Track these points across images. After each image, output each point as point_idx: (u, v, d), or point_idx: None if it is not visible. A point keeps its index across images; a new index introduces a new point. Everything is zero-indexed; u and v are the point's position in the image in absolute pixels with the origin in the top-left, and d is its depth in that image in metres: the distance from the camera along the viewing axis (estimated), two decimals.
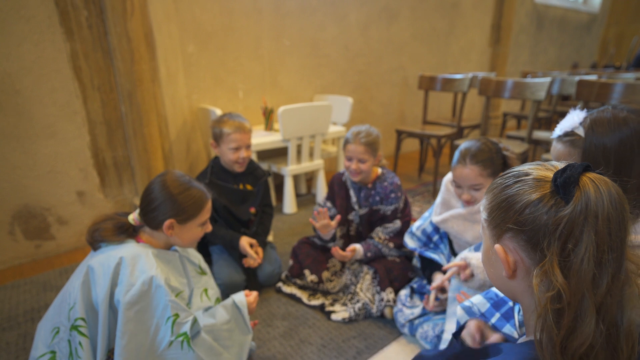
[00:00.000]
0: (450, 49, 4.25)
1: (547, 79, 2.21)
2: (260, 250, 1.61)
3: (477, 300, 0.94)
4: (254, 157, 2.28)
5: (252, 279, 1.63)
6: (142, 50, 1.91)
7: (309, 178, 2.98)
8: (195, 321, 0.98)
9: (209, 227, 1.11)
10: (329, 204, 1.73)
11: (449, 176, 1.39)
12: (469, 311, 1.00)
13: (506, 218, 0.54)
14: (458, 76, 2.78)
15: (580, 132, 0.81)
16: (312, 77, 3.08)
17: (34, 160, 1.85)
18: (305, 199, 2.70)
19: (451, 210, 1.35)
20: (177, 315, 0.94)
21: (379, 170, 1.64)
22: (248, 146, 1.62)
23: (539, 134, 2.61)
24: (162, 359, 0.95)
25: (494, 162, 1.23)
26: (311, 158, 2.51)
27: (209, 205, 1.08)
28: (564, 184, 0.48)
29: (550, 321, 0.48)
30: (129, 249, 0.98)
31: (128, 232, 1.04)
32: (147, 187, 1.05)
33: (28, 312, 1.54)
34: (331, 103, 2.79)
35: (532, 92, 2.30)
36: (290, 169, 2.39)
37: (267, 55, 2.77)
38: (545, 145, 2.56)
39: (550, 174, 0.52)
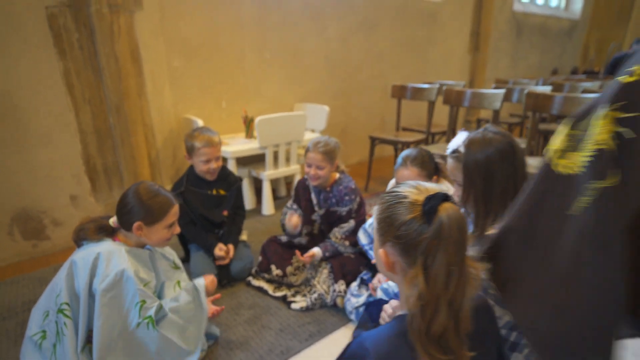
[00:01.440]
0: (430, 57, 4.45)
1: (501, 91, 2.42)
2: (231, 247, 1.82)
3: (392, 284, 1.19)
4: (234, 163, 2.48)
5: (225, 273, 1.83)
6: (129, 68, 2.12)
7: (289, 181, 3.18)
8: (160, 307, 1.18)
9: (176, 230, 1.31)
10: (295, 206, 1.93)
11: (392, 181, 1.59)
12: (385, 292, 1.27)
13: (388, 231, 0.72)
14: (425, 86, 2.99)
15: (462, 149, 1.02)
16: (293, 86, 3.28)
17: (31, 167, 2.06)
18: (284, 200, 2.90)
19: None
20: (144, 301, 1.15)
21: (337, 176, 1.85)
22: (217, 158, 1.82)
23: None
24: (132, 337, 1.16)
25: (428, 165, 1.45)
26: (288, 163, 2.71)
27: (174, 210, 1.27)
28: (428, 211, 0.67)
29: (417, 314, 0.67)
30: (105, 246, 1.18)
31: (107, 232, 1.25)
32: (123, 194, 1.25)
33: (26, 303, 1.74)
34: (307, 112, 3.00)
35: (490, 102, 2.50)
36: (267, 174, 2.59)
37: (250, 67, 2.97)
38: None
39: (422, 198, 0.70)
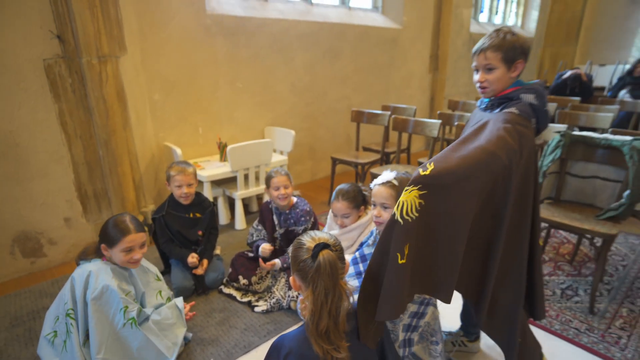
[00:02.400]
0: (391, 79, 4.89)
1: (438, 122, 2.85)
2: (205, 262, 2.18)
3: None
4: (209, 185, 2.84)
5: (200, 283, 2.19)
6: (115, 107, 2.46)
7: (260, 197, 3.54)
8: (140, 310, 1.55)
9: (135, 255, 1.59)
10: (260, 227, 2.31)
11: (330, 213, 2.00)
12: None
13: (294, 264, 1.12)
14: (378, 112, 3.40)
15: (395, 182, 1.41)
16: (263, 111, 3.65)
17: (30, 195, 2.37)
18: (256, 215, 3.25)
19: (332, 230, 1.95)
20: (127, 307, 1.52)
21: (294, 200, 2.24)
22: (189, 184, 2.18)
23: None
24: (118, 336, 1.52)
25: (357, 199, 1.85)
26: (257, 183, 3.08)
27: (128, 238, 1.56)
28: (314, 254, 1.07)
29: (309, 320, 1.07)
30: (96, 265, 1.55)
31: (98, 254, 1.60)
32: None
33: (30, 313, 2.06)
34: (276, 135, 3.39)
35: (430, 130, 2.92)
36: (239, 193, 2.95)
37: (223, 96, 3.33)
38: None
39: (313, 244, 1.10)
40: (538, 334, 1.75)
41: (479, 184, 1.11)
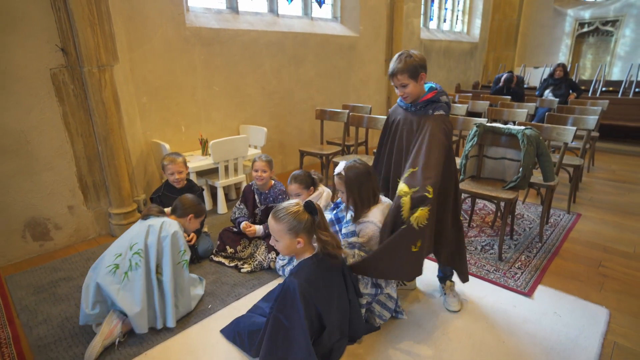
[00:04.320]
0: (350, 81, 5.47)
1: (384, 117, 3.42)
2: (194, 236, 2.64)
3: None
4: (194, 175, 3.28)
5: (195, 253, 2.64)
6: (112, 109, 2.86)
7: (238, 187, 4.00)
8: (187, 260, 2.07)
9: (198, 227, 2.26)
10: (242, 206, 2.79)
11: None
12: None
13: (300, 229, 1.65)
14: (339, 110, 3.96)
15: (343, 173, 1.93)
16: (237, 112, 4.12)
17: (39, 187, 2.74)
18: (234, 201, 3.71)
19: None
20: (185, 251, 2.03)
21: (272, 182, 2.74)
22: (179, 172, 2.69)
23: None
24: (177, 269, 2.01)
25: (306, 181, 2.47)
26: (236, 173, 3.55)
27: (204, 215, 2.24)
28: (310, 211, 1.63)
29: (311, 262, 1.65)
30: (167, 219, 2.05)
31: (161, 214, 2.10)
32: (183, 199, 2.19)
33: (50, 282, 2.44)
34: (250, 132, 3.86)
35: (381, 124, 3.50)
36: (220, 182, 3.41)
37: (201, 99, 3.78)
38: None
39: (302, 207, 1.65)
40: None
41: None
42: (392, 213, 1.80)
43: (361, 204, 1.93)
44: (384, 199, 2.03)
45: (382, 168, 2.15)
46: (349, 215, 1.99)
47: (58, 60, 2.66)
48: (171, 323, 1.99)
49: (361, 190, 1.91)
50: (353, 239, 1.95)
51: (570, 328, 1.99)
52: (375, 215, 1.91)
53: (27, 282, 2.46)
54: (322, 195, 2.58)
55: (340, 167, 1.98)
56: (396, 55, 1.84)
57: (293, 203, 1.68)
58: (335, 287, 1.73)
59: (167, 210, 2.25)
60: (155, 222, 2.01)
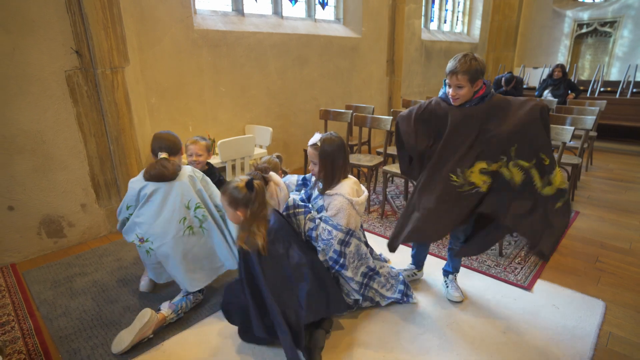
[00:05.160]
0: (353, 81, 5.56)
1: (390, 117, 3.52)
2: None
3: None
4: None
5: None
6: (124, 110, 2.95)
7: None
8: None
9: None
10: None
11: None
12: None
13: (239, 203, 1.75)
14: (342, 111, 4.05)
15: (318, 144, 1.99)
16: (243, 112, 4.21)
17: (54, 185, 2.82)
18: None
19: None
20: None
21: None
22: (199, 154, 2.67)
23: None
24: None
25: (275, 168, 2.54)
26: (243, 172, 3.63)
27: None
28: (249, 187, 1.72)
29: (244, 229, 1.73)
30: (181, 166, 2.20)
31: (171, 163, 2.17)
32: (158, 140, 2.24)
33: (65, 277, 2.53)
34: (256, 132, 3.95)
35: (384, 124, 3.59)
36: (228, 180, 3.50)
37: (208, 100, 3.86)
38: (396, 157, 3.89)
39: (244, 182, 1.74)
40: (463, 270, 2.44)
41: None
42: (524, 189, 1.80)
43: (332, 177, 1.98)
44: (350, 176, 2.09)
45: (419, 160, 2.07)
46: (317, 189, 2.06)
47: (72, 63, 2.75)
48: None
49: (334, 164, 1.96)
50: (322, 213, 2.00)
51: (568, 320, 2.08)
52: (344, 189, 1.95)
53: (43, 277, 2.55)
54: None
55: (315, 138, 2.00)
56: (460, 55, 1.79)
57: (239, 179, 1.78)
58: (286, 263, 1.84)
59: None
60: (181, 174, 2.12)
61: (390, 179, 4.35)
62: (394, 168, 3.37)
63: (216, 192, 2.21)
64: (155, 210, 2.07)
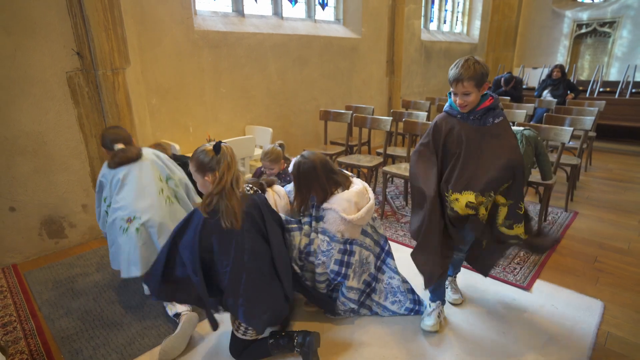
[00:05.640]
0: (353, 82, 5.57)
1: (389, 118, 3.53)
2: None
3: None
4: None
5: None
6: (125, 111, 2.96)
7: None
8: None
9: None
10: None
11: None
12: None
13: (206, 167, 1.61)
14: (342, 111, 4.06)
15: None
16: (243, 113, 4.22)
17: (55, 186, 2.83)
18: None
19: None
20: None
21: (285, 165, 2.81)
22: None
23: (397, 150, 3.95)
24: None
25: (278, 157, 2.61)
26: (243, 172, 3.65)
27: None
28: (216, 150, 1.63)
29: (210, 200, 1.62)
30: (142, 149, 2.23)
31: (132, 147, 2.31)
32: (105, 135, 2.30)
33: (67, 278, 2.54)
34: (256, 132, 3.96)
35: (384, 125, 3.60)
36: None
37: (209, 100, 3.87)
38: (396, 157, 3.91)
39: (212, 146, 1.64)
40: (464, 271, 2.45)
41: None
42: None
43: (323, 193, 1.93)
44: (357, 180, 2.02)
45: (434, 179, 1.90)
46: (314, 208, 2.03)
47: (74, 64, 2.76)
48: None
49: (310, 187, 1.93)
50: (320, 224, 1.96)
51: (567, 319, 2.10)
52: (341, 204, 1.88)
53: (45, 277, 2.56)
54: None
55: (291, 167, 2.00)
56: (461, 60, 1.68)
57: (208, 144, 1.65)
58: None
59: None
60: (145, 154, 2.26)
61: (390, 179, 4.36)
62: (394, 168, 3.38)
63: (177, 169, 2.39)
64: (135, 189, 2.15)
